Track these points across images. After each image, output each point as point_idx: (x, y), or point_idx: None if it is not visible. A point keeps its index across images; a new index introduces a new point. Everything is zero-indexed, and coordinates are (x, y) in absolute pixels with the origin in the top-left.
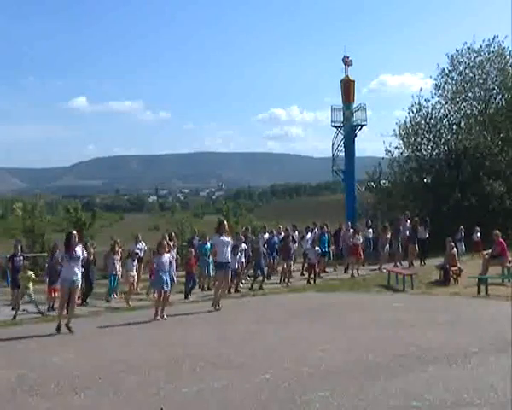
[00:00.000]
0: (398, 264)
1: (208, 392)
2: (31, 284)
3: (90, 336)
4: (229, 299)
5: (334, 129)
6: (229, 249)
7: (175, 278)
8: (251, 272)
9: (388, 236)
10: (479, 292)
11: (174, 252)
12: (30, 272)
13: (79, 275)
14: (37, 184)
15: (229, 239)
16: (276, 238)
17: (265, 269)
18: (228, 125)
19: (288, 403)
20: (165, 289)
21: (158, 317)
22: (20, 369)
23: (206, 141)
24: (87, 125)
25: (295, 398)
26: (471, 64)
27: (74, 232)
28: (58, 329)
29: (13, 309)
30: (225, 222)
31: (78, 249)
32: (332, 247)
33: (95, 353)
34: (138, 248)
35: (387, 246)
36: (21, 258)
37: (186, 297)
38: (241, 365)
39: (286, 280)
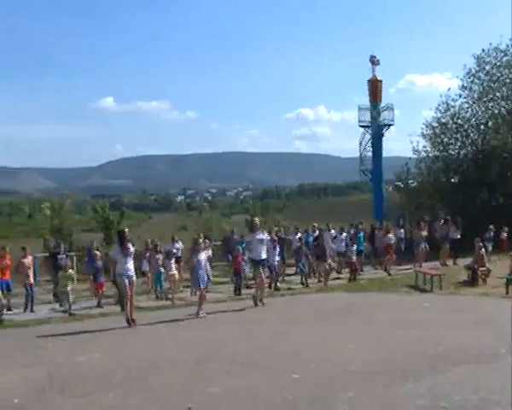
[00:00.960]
0: (421, 264)
1: (236, 391)
2: (70, 283)
3: (118, 334)
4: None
5: (362, 129)
6: (264, 247)
7: (211, 278)
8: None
9: (424, 233)
10: (507, 292)
11: (210, 252)
12: (70, 271)
13: (133, 269)
14: (66, 183)
15: (264, 236)
16: (311, 238)
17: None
18: (255, 124)
19: (316, 403)
20: (202, 286)
21: (200, 315)
22: (48, 368)
23: (234, 141)
24: (114, 126)
25: (323, 398)
26: (498, 64)
27: (126, 229)
28: (128, 322)
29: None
30: (257, 219)
31: (131, 245)
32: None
33: (123, 352)
34: (176, 248)
35: (423, 245)
36: (64, 256)
37: (236, 293)
38: (269, 364)
39: (322, 279)
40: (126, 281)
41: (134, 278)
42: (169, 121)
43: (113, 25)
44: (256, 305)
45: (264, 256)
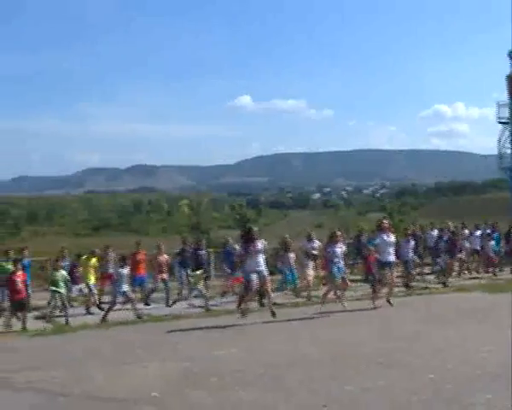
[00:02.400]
0: None
1: (372, 390)
2: (200, 281)
3: (254, 330)
4: (394, 298)
5: (501, 125)
6: (391, 248)
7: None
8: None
9: None
10: None
11: (344, 247)
12: (198, 271)
13: (263, 266)
14: (202, 181)
15: (391, 238)
16: (445, 236)
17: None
18: (391, 122)
19: (453, 404)
20: (339, 276)
21: (344, 303)
22: (184, 362)
23: (370, 138)
24: (251, 124)
25: (460, 399)
26: None
27: (255, 228)
28: (242, 312)
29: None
30: (385, 220)
31: (259, 243)
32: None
33: (258, 348)
34: (312, 247)
35: None
36: (205, 253)
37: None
38: (406, 364)
39: (445, 276)
40: (254, 276)
41: (265, 273)
42: (305, 119)
43: (251, 25)
44: (391, 304)
45: (391, 259)
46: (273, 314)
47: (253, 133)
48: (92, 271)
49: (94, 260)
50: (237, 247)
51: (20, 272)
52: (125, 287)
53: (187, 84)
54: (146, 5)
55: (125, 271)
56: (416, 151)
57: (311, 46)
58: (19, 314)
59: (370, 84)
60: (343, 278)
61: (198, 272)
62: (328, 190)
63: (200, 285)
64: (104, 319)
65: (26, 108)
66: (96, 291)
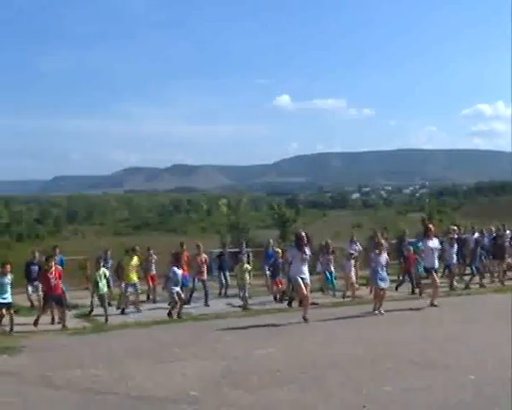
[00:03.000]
0: None
1: (412, 391)
2: (247, 275)
3: (293, 331)
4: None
5: None
6: (435, 254)
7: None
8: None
9: None
10: None
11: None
12: (247, 265)
13: (307, 273)
14: (241, 181)
15: (436, 245)
16: (486, 239)
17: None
18: (432, 121)
19: (492, 406)
20: (382, 286)
21: (376, 311)
22: (223, 361)
23: (410, 138)
24: (290, 123)
25: (499, 401)
26: None
27: (303, 233)
28: (304, 319)
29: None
30: (431, 226)
31: (308, 250)
32: None
33: (298, 348)
34: (354, 248)
35: None
36: (245, 255)
37: (413, 293)
38: (445, 365)
39: (500, 280)
40: (301, 281)
41: (308, 280)
42: (345, 119)
43: (289, 25)
44: (435, 306)
45: (435, 264)
46: (305, 320)
47: (292, 133)
48: (134, 270)
49: (136, 260)
50: (278, 250)
51: (53, 269)
52: (178, 287)
53: (227, 84)
54: (192, 6)
55: (180, 271)
56: (456, 151)
57: (351, 45)
58: (54, 310)
59: (411, 84)
60: (383, 289)
61: (244, 266)
62: (367, 189)
63: (247, 280)
64: (170, 315)
65: (67, 108)
66: (140, 290)
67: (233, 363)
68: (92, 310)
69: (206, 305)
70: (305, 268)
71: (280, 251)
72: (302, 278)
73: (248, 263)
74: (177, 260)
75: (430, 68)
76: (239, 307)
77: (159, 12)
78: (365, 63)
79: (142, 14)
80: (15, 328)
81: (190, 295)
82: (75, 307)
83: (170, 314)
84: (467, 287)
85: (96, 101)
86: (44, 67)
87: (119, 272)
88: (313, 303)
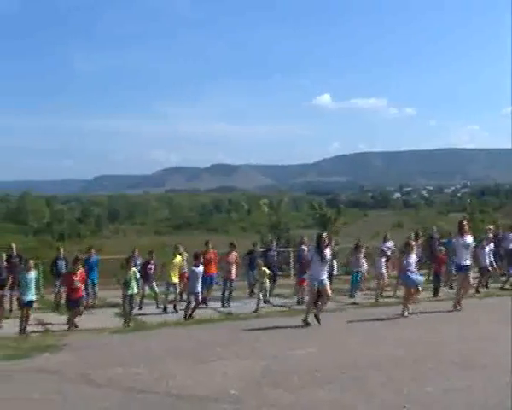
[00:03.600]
0: None
1: (452, 392)
2: (266, 280)
3: (333, 331)
4: (472, 299)
5: None
6: (468, 252)
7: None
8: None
9: None
10: None
11: (419, 251)
12: (264, 269)
13: (326, 275)
14: (282, 180)
15: (469, 241)
16: None
17: None
18: (474, 120)
19: None
20: (413, 287)
21: (406, 313)
22: (263, 360)
23: (451, 137)
24: (331, 123)
25: None
26: None
27: (324, 235)
28: (305, 322)
29: (265, 302)
30: (465, 222)
31: (328, 252)
32: None
33: (338, 348)
34: (386, 247)
35: None
36: (275, 254)
37: (434, 295)
38: (484, 366)
39: None
40: (316, 285)
41: (325, 281)
42: (386, 118)
43: (331, 26)
44: (456, 309)
45: (468, 262)
46: (318, 320)
47: (332, 132)
48: (176, 269)
49: (178, 259)
50: (305, 248)
51: (79, 271)
52: (199, 287)
53: (267, 83)
54: (231, 7)
55: (200, 269)
56: (498, 150)
57: (391, 45)
58: (73, 311)
59: (453, 83)
60: (417, 288)
61: (261, 270)
62: (408, 189)
63: (267, 283)
64: (191, 316)
65: (108, 108)
66: (179, 290)
67: (273, 363)
68: (132, 309)
69: (223, 306)
70: (324, 271)
71: (306, 249)
72: (320, 282)
73: (272, 263)
74: (196, 258)
75: (473, 68)
76: (280, 306)
77: (197, 12)
78: (406, 62)
79: (181, 14)
80: (55, 327)
81: (228, 297)
82: (114, 306)
83: (191, 316)
84: (502, 288)
85: (136, 101)
86: (83, 67)
87: (149, 271)
88: (353, 303)
